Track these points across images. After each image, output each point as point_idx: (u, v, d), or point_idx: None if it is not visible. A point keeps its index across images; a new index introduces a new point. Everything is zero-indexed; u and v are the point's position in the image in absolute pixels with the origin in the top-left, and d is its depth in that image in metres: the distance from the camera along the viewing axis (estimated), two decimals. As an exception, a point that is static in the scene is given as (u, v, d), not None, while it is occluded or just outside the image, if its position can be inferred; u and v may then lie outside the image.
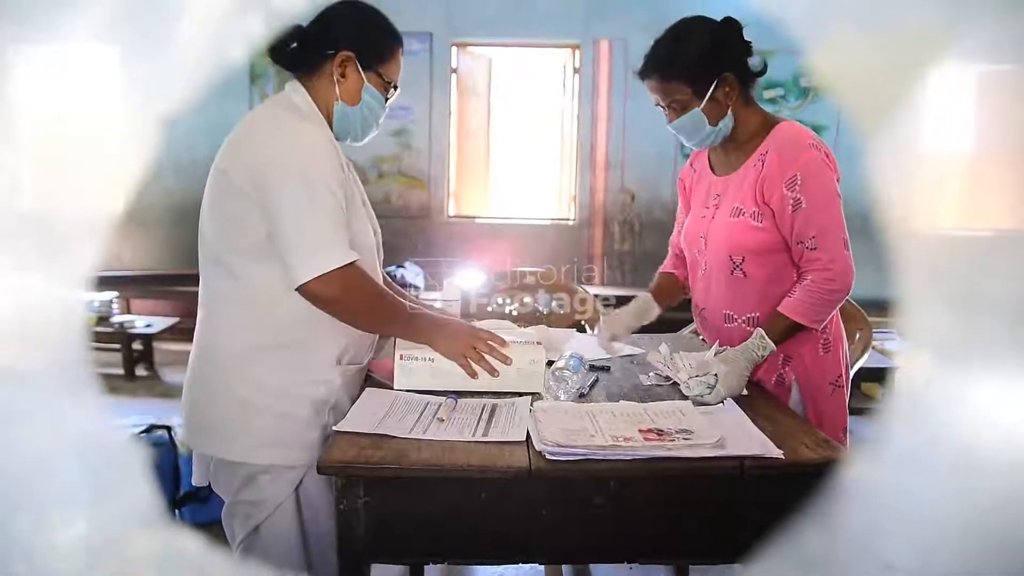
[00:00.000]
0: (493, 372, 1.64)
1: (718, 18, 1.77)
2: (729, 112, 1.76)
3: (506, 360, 1.65)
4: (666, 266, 2.16)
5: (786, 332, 1.72)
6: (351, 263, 1.51)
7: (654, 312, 2.03)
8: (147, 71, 0.40)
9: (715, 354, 1.70)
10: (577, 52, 6.44)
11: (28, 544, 0.42)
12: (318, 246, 1.48)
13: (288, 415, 1.56)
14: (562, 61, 6.60)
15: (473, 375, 1.64)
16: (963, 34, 0.64)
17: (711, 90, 1.72)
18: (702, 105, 1.74)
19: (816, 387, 1.80)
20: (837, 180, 1.72)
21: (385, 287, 1.64)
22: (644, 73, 1.79)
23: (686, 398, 1.63)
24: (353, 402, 1.60)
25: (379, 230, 1.77)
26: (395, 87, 1.71)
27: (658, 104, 1.81)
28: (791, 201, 1.69)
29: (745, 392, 1.70)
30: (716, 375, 1.62)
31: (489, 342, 1.67)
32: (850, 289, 1.72)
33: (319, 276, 1.47)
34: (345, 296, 1.51)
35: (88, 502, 0.42)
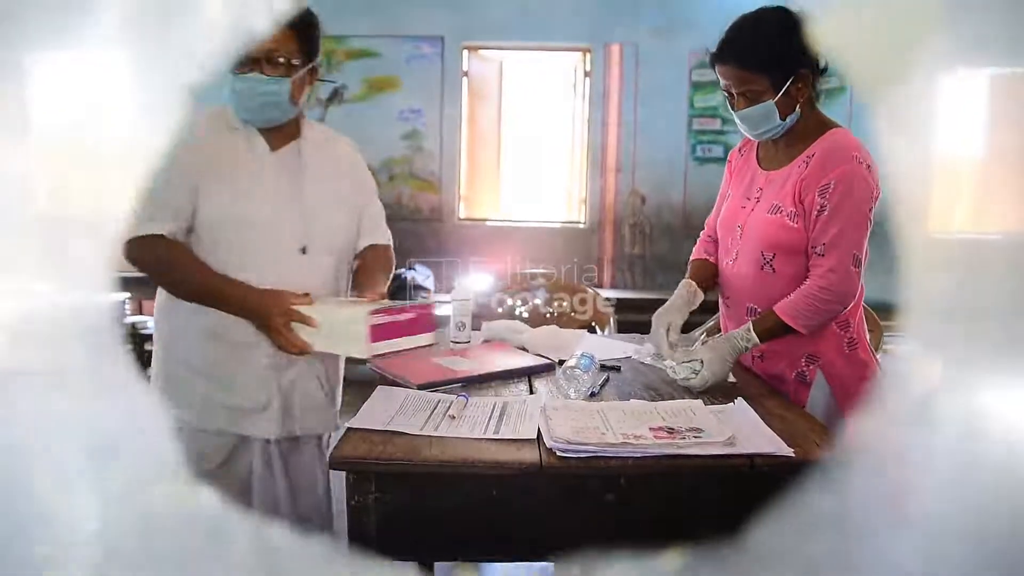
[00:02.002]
0: (305, 347, 1.63)
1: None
2: (797, 108, 1.75)
3: (311, 323, 1.62)
4: (698, 252, 2.13)
5: (774, 330, 1.74)
6: (155, 235, 1.64)
7: (699, 297, 1.97)
8: (166, 76, 0.41)
9: (702, 343, 1.77)
10: (588, 55, 6.45)
11: (55, 516, 0.43)
12: (133, 219, 1.60)
13: (212, 381, 1.74)
14: (573, 64, 6.61)
15: (284, 348, 1.64)
16: (974, 35, 0.64)
17: (787, 84, 1.71)
18: (776, 98, 1.72)
19: (851, 384, 1.78)
20: (876, 196, 1.69)
21: (192, 257, 1.70)
22: (721, 59, 1.75)
23: (696, 397, 1.64)
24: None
25: (319, 222, 1.80)
26: (266, 59, 1.67)
27: (726, 90, 1.78)
28: (818, 206, 1.70)
29: (734, 380, 1.77)
30: (701, 360, 1.69)
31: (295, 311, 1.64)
32: (846, 303, 1.73)
33: (125, 244, 1.61)
34: (140, 264, 1.66)
35: (115, 475, 0.43)
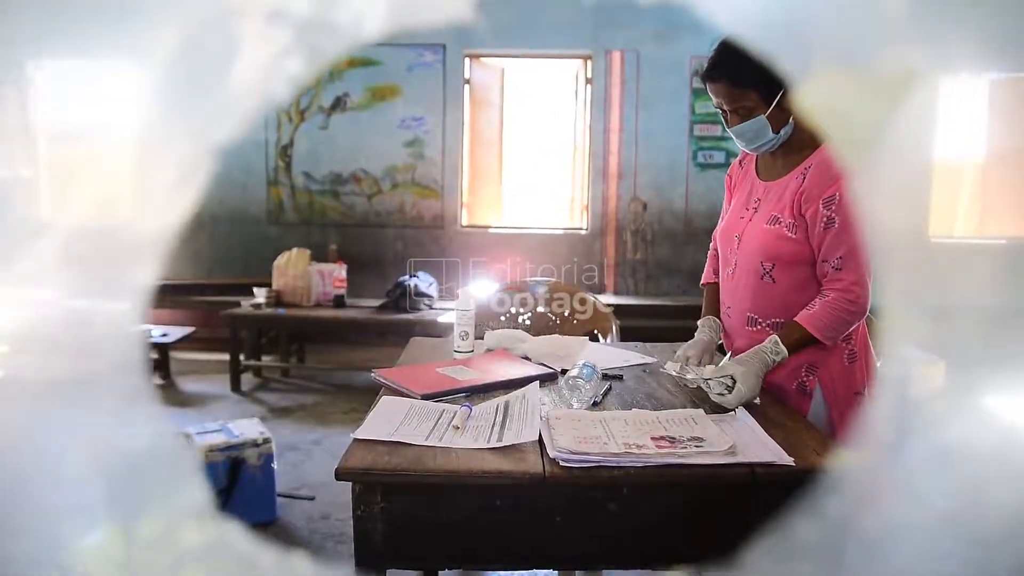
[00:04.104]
0: None
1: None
2: (791, 121, 1.77)
3: None
4: (708, 274, 2.16)
5: (800, 342, 1.75)
6: None
7: (719, 332, 2.03)
8: (199, 98, 0.43)
9: (729, 359, 1.76)
10: (589, 62, 6.48)
11: (87, 536, 0.44)
12: None
13: None
14: (574, 71, 6.64)
15: None
16: (974, 40, 0.66)
17: (778, 99, 1.72)
18: (767, 112, 1.74)
19: (842, 397, 1.81)
20: None
21: None
22: (711, 77, 1.77)
23: (698, 406, 1.65)
24: None
25: None
26: None
27: (720, 107, 1.81)
28: (824, 218, 1.72)
29: (758, 401, 1.73)
30: (732, 376, 1.67)
31: None
32: (866, 312, 1.75)
33: None
34: None
35: (141, 499, 0.45)
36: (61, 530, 0.49)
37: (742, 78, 1.72)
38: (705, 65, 1.79)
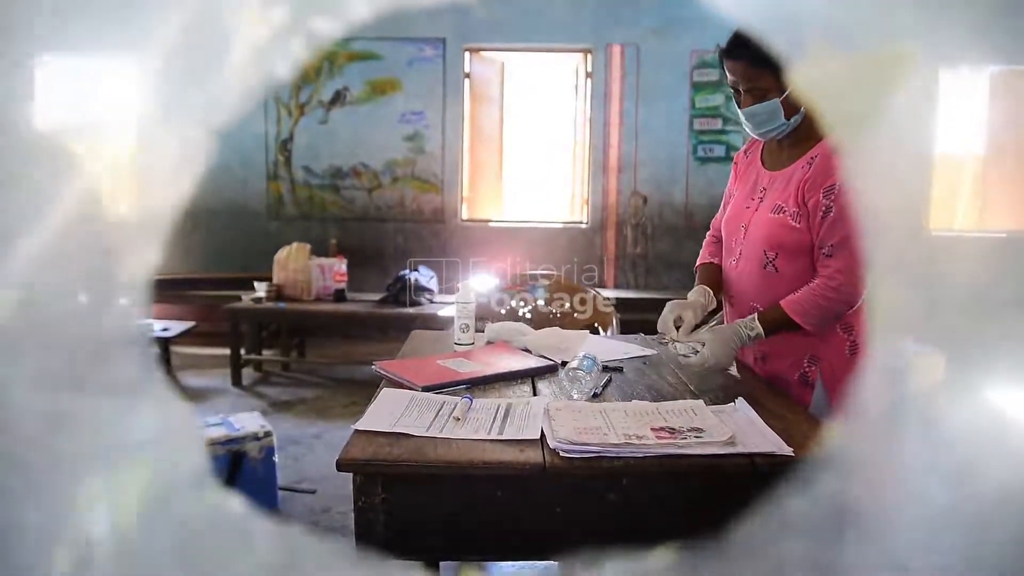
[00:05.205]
0: None
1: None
2: (801, 110, 1.77)
3: None
4: (703, 255, 2.16)
5: (778, 324, 1.77)
6: None
7: (713, 301, 2.01)
8: (197, 86, 0.43)
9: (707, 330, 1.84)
10: (589, 56, 6.47)
11: (94, 524, 0.45)
12: None
13: None
14: (574, 65, 6.63)
15: None
16: (974, 34, 0.66)
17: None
18: (782, 97, 1.74)
19: (843, 389, 1.81)
20: None
21: None
22: (732, 55, 1.76)
23: (697, 397, 1.66)
24: None
25: None
26: None
27: (734, 87, 1.80)
28: (823, 207, 1.72)
29: (737, 374, 1.79)
30: (703, 342, 1.74)
31: None
32: (853, 303, 1.74)
33: None
34: None
35: (143, 477, 0.45)
36: (68, 521, 0.49)
37: (762, 58, 1.70)
38: (725, 44, 1.78)
